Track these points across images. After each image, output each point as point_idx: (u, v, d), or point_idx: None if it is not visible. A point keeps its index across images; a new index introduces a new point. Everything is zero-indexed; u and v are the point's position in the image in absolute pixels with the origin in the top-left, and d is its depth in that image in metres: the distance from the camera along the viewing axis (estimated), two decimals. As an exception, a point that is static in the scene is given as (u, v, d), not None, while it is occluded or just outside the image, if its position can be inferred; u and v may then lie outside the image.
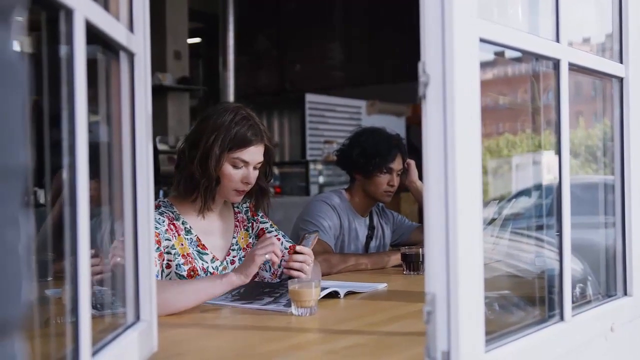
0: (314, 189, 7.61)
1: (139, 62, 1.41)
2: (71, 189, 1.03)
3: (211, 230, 2.36)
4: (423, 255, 2.74)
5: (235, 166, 2.26)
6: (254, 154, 2.28)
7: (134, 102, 1.41)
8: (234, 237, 2.42)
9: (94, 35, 1.15)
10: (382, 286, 2.43)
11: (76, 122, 1.04)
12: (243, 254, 2.40)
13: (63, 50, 1.05)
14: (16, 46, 0.63)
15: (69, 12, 1.02)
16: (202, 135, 2.24)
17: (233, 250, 2.40)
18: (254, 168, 2.30)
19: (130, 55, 1.39)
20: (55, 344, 1.27)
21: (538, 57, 1.62)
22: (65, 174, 1.04)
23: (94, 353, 1.12)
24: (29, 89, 0.65)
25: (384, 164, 3.06)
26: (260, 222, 2.50)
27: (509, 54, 1.60)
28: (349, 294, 2.25)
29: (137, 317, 1.42)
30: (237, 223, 2.45)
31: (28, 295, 0.65)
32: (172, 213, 2.28)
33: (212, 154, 2.22)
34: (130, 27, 1.39)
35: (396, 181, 3.10)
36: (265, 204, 2.44)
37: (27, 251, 0.64)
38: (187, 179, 2.27)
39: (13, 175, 0.62)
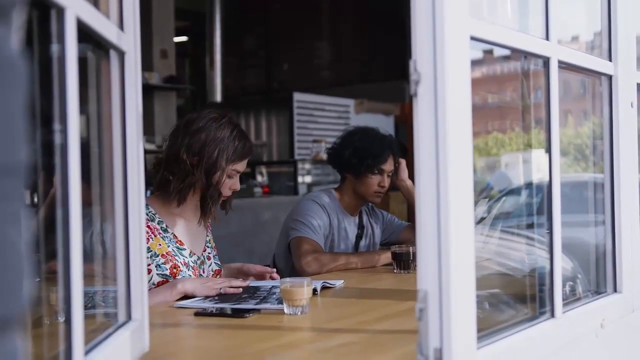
0: (302, 189, 7.60)
1: (129, 61, 1.41)
2: (63, 189, 1.03)
3: (187, 229, 2.44)
4: (413, 253, 2.76)
5: (229, 176, 2.39)
6: (245, 164, 2.45)
7: (124, 101, 1.40)
8: (207, 236, 2.54)
9: (84, 34, 1.14)
10: (339, 282, 2.46)
11: (68, 121, 1.03)
12: (215, 252, 2.55)
13: (54, 48, 1.04)
14: (16, 45, 0.63)
15: (61, 11, 1.02)
16: (204, 147, 2.32)
17: (208, 247, 2.52)
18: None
19: (121, 54, 1.39)
20: (46, 344, 1.26)
21: (528, 55, 1.62)
22: (56, 175, 1.04)
23: (86, 352, 1.12)
24: (28, 87, 0.65)
25: (376, 165, 3.06)
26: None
27: (498, 52, 1.61)
28: (324, 288, 2.31)
29: (129, 317, 1.41)
30: (208, 224, 2.57)
31: (29, 292, 0.65)
32: (147, 214, 2.30)
33: (218, 168, 2.33)
34: (121, 26, 1.39)
35: (387, 182, 3.10)
36: (231, 200, 2.52)
37: (28, 248, 0.65)
38: (188, 188, 2.34)
39: (15, 172, 0.62)
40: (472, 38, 1.28)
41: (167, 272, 2.29)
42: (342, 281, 2.47)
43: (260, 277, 2.50)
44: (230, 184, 2.39)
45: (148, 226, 2.29)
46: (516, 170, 2.26)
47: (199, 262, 2.43)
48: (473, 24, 1.28)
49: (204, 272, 2.43)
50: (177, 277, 2.28)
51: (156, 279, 2.26)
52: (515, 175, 2.41)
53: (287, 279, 2.00)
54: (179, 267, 2.31)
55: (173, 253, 2.33)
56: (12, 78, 0.61)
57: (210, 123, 2.35)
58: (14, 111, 0.61)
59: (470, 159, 1.26)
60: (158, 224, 2.35)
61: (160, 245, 2.31)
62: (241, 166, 2.41)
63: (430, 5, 1.20)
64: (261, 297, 2.12)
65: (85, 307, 1.14)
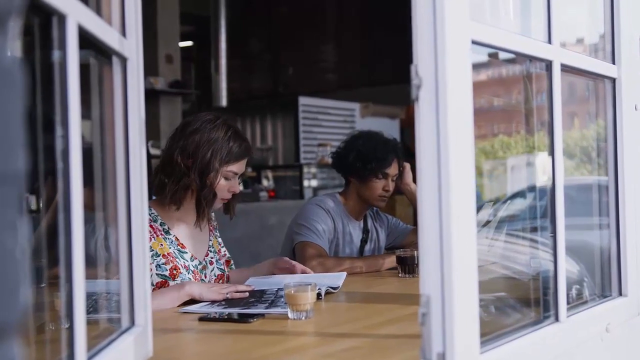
0: (308, 193, 7.60)
1: (131, 67, 1.41)
2: (65, 195, 1.03)
3: (189, 233, 2.45)
4: (418, 257, 2.74)
5: (226, 178, 2.38)
6: (243, 165, 2.43)
7: (126, 107, 1.41)
8: (210, 240, 2.53)
9: (86, 40, 1.15)
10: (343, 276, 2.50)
11: (69, 127, 1.04)
12: (218, 257, 2.54)
13: (56, 55, 1.05)
14: (13, 52, 0.63)
15: (62, 18, 1.02)
16: (198, 149, 2.32)
17: (211, 251, 2.52)
18: (239, 177, 2.44)
19: (123, 60, 1.39)
20: (49, 349, 1.27)
21: (530, 59, 1.62)
22: (58, 180, 1.04)
23: (89, 358, 1.12)
24: (25, 94, 0.65)
25: (380, 169, 3.06)
26: (220, 238, 2.63)
27: (503, 55, 1.61)
28: (327, 293, 2.30)
29: (132, 322, 1.41)
30: (211, 228, 2.57)
31: (26, 299, 0.65)
32: (150, 215, 2.31)
33: (212, 169, 2.33)
34: (123, 32, 1.39)
35: (391, 186, 3.10)
36: (234, 205, 2.52)
37: (25, 255, 0.65)
38: (183, 189, 2.35)
39: (12, 180, 0.63)
40: (474, 42, 1.28)
41: (167, 273, 2.30)
42: (345, 273, 2.51)
43: (290, 271, 2.53)
44: (228, 186, 2.38)
45: (151, 226, 2.31)
46: (522, 173, 2.26)
47: (200, 266, 2.43)
48: (474, 27, 1.28)
49: (205, 277, 2.43)
50: (177, 279, 2.29)
51: (155, 279, 2.27)
52: (521, 178, 2.40)
53: (291, 284, 2.00)
54: (179, 269, 2.32)
55: (174, 255, 2.34)
56: (9, 86, 0.61)
57: (204, 125, 2.35)
58: (11, 119, 0.61)
59: (472, 162, 1.26)
60: (160, 225, 2.36)
61: (162, 245, 2.32)
62: (237, 167, 2.39)
63: (430, 9, 1.20)
64: (269, 301, 2.12)
65: (88, 312, 1.14)
